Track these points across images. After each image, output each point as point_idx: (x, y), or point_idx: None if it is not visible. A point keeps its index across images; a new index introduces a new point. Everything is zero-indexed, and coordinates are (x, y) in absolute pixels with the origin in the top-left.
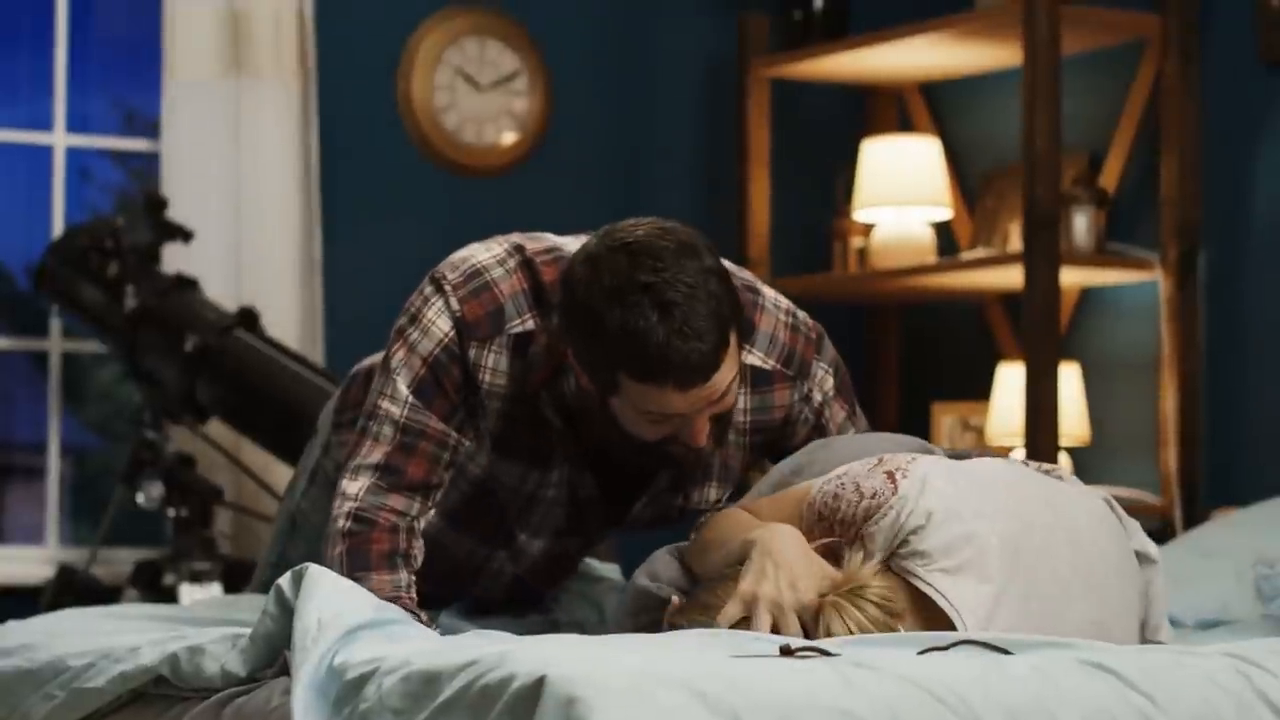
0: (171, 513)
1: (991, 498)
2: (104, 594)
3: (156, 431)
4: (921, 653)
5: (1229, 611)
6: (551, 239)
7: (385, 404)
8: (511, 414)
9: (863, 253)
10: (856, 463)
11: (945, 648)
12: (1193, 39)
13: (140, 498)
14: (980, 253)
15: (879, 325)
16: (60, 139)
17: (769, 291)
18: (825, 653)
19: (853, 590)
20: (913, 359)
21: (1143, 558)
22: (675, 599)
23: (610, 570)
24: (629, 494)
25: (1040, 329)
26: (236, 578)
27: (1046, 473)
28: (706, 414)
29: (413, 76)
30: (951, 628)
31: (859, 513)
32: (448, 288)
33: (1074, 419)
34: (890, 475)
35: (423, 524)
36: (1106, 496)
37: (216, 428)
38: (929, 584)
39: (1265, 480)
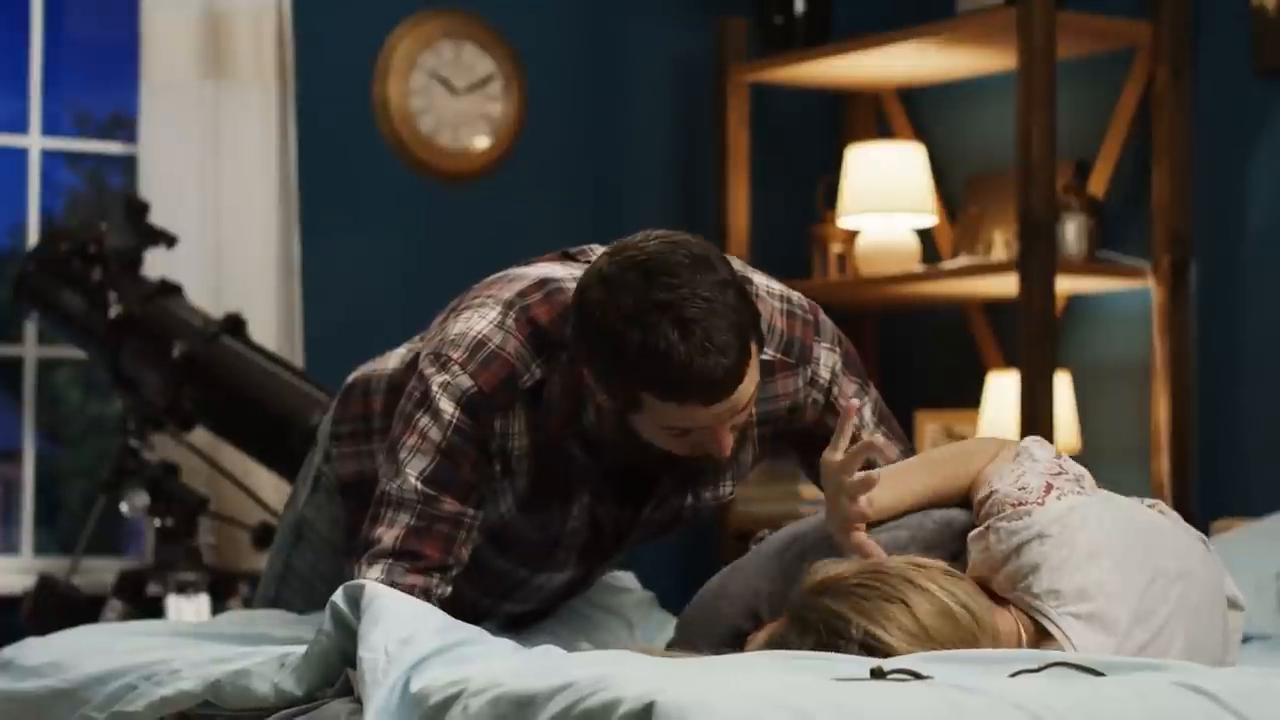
0: (157, 523)
1: (1134, 544)
2: (86, 605)
3: (140, 440)
4: (1014, 675)
5: (1252, 625)
6: (536, 271)
7: (395, 491)
8: (540, 465)
9: (842, 259)
10: (1044, 453)
11: (1037, 670)
12: (1185, 47)
13: (124, 507)
14: (966, 260)
15: (859, 332)
16: (36, 141)
17: (760, 278)
18: (917, 675)
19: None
20: (894, 367)
21: (1231, 603)
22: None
23: (628, 579)
24: (638, 500)
25: (1036, 338)
26: (222, 589)
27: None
28: (729, 424)
29: (388, 80)
30: None
31: (1001, 496)
32: (455, 366)
33: (1064, 427)
34: (1049, 487)
35: (443, 594)
36: (1202, 536)
37: (196, 436)
38: (1060, 628)
39: (1258, 490)
